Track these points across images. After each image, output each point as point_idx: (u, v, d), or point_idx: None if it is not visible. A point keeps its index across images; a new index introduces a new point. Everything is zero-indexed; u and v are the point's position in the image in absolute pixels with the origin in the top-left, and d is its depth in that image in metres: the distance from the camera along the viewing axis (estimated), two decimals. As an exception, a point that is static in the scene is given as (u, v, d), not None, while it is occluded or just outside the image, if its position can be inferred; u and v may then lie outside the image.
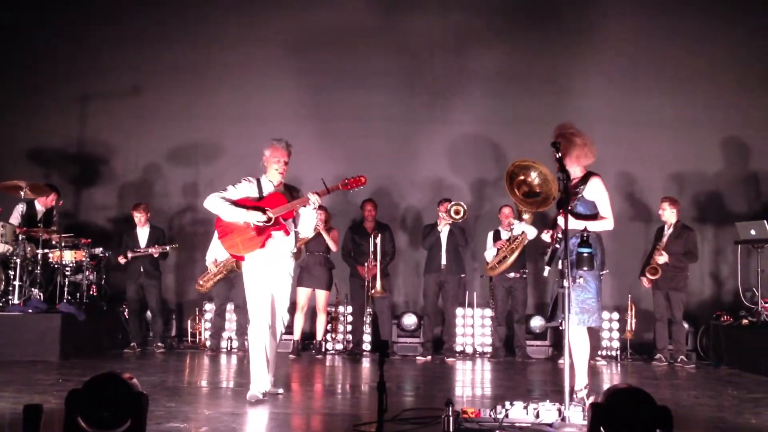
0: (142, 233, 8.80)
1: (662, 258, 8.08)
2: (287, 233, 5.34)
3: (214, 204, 5.28)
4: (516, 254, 8.25)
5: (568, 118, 5.15)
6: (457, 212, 8.21)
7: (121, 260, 8.69)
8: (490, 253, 8.54)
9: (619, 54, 9.73)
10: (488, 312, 8.91)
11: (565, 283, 4.39)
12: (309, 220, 5.47)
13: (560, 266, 4.49)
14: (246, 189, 5.37)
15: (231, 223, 5.28)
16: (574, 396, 4.82)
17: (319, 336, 8.60)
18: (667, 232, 8.24)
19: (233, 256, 6.07)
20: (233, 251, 5.44)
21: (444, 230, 8.45)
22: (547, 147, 4.75)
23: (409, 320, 9.04)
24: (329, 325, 8.84)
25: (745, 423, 4.77)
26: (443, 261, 8.43)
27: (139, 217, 8.76)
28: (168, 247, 8.74)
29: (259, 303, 5.27)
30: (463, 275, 8.63)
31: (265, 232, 5.25)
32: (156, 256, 8.70)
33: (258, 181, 5.44)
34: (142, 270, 8.68)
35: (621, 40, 9.75)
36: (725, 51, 9.58)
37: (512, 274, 8.38)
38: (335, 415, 4.88)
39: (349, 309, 9.00)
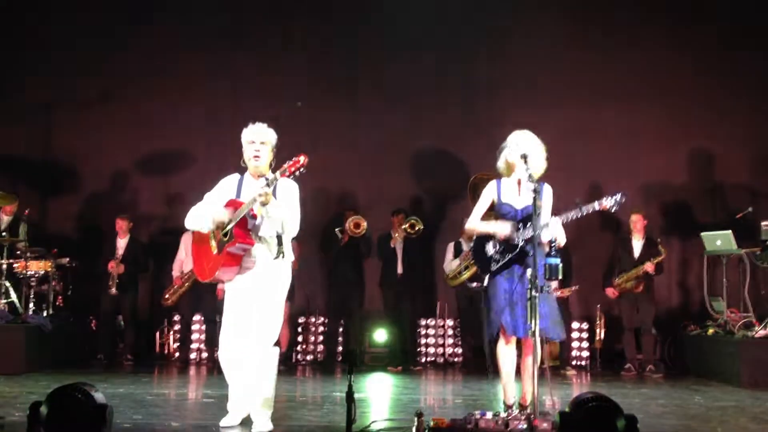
0: (121, 243, 8.79)
1: (649, 267, 8.22)
2: (248, 242, 4.30)
3: (191, 224, 4.46)
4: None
5: (536, 129, 5.15)
6: (411, 226, 8.25)
7: (112, 267, 8.57)
8: (451, 264, 8.54)
9: (586, 64, 9.80)
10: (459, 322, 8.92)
11: (534, 293, 4.41)
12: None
13: (528, 275, 4.49)
14: (224, 189, 4.49)
15: (200, 240, 4.44)
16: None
17: (283, 347, 8.51)
18: (639, 243, 8.39)
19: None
20: (204, 277, 4.56)
21: (400, 240, 8.45)
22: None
23: (379, 330, 9.00)
24: (299, 336, 8.77)
25: None
26: (399, 271, 8.44)
27: (120, 225, 8.77)
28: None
29: (224, 318, 4.56)
30: (419, 285, 8.63)
31: (224, 250, 4.27)
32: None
33: (242, 177, 4.53)
34: (118, 281, 8.58)
35: (586, 51, 9.82)
36: (691, 62, 9.71)
37: (474, 285, 8.36)
38: (303, 427, 4.84)
39: (321, 319, 8.94)
